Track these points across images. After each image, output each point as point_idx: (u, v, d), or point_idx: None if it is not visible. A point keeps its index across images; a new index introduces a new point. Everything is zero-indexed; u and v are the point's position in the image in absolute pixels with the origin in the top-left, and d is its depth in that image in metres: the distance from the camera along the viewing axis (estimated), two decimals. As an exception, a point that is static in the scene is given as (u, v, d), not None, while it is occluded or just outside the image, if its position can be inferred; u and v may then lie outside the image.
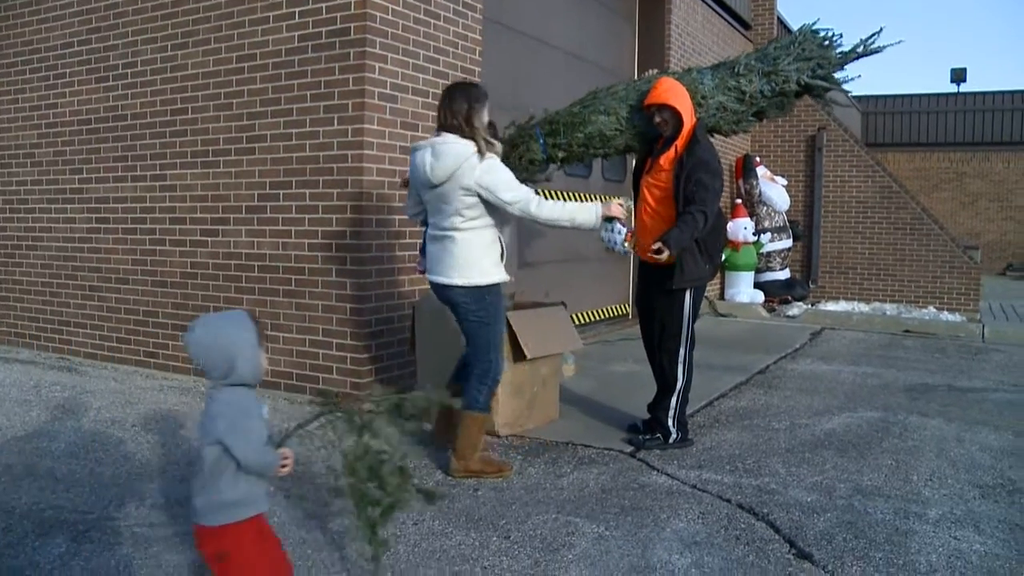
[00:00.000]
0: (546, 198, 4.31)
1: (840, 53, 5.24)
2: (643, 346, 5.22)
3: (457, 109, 4.14)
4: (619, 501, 4.03)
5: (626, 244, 4.57)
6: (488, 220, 4.20)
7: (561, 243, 8.94)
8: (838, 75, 5.32)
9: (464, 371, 4.46)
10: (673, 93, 4.83)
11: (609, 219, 4.44)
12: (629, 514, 3.85)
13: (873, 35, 5.26)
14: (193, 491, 2.47)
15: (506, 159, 5.50)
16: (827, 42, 5.24)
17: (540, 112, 5.53)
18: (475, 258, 4.19)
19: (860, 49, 5.27)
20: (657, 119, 4.89)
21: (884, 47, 5.27)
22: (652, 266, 4.94)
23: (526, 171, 5.42)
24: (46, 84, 7.36)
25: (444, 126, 4.18)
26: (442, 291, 4.29)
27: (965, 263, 12.65)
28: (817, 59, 5.17)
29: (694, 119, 4.87)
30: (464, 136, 4.12)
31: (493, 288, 4.24)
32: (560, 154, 5.37)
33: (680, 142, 4.81)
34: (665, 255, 4.50)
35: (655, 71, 5.55)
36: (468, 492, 4.11)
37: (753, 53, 5.34)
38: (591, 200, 8.31)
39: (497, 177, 4.11)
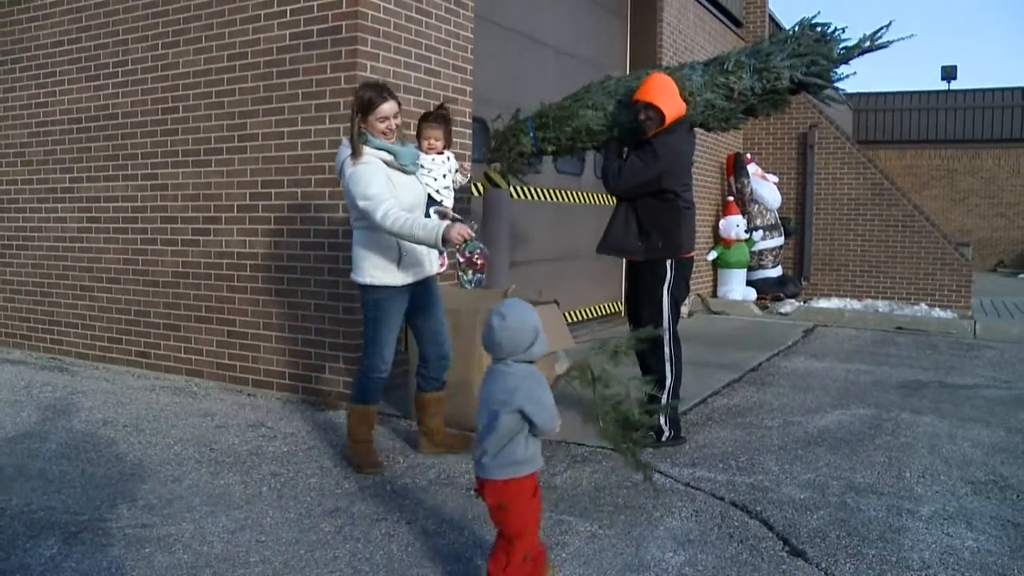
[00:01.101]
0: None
1: (843, 48, 5.10)
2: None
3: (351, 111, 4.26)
4: (612, 499, 4.03)
5: (467, 274, 4.14)
6: (368, 221, 4.17)
7: (553, 241, 8.94)
8: (838, 71, 5.18)
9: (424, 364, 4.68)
10: (660, 91, 4.84)
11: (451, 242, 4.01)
12: (622, 512, 3.85)
13: (881, 29, 5.10)
14: (481, 451, 2.88)
15: (497, 152, 5.51)
16: (826, 38, 5.12)
17: (534, 106, 5.53)
18: (359, 257, 4.32)
19: (866, 44, 5.10)
20: (642, 116, 4.91)
21: (891, 42, 5.11)
22: (633, 265, 5.04)
23: (516, 163, 5.42)
24: (36, 83, 7.32)
25: None
26: None
27: (956, 260, 12.68)
28: (812, 55, 5.07)
29: (679, 112, 4.89)
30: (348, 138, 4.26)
31: (373, 288, 4.32)
32: (550, 147, 5.39)
33: (654, 133, 4.88)
34: None
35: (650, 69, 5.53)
36: (461, 491, 4.10)
37: (745, 48, 5.29)
38: (581, 198, 8.32)
39: (354, 185, 4.13)
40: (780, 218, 12.78)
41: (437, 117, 4.76)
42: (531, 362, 2.90)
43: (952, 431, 5.45)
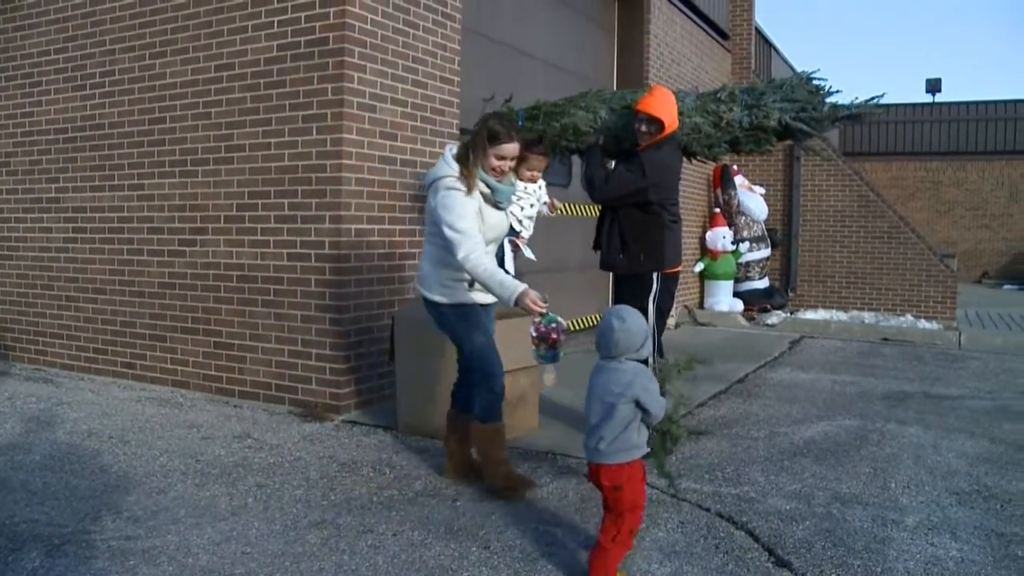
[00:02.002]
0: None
1: (830, 105, 5.26)
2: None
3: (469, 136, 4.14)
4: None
5: (539, 349, 3.98)
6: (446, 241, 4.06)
7: (541, 252, 8.94)
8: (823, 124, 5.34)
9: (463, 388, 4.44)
10: (663, 105, 4.91)
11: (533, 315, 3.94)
12: (609, 524, 3.85)
13: (873, 98, 5.29)
14: (596, 439, 3.21)
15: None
16: (819, 91, 5.28)
17: (527, 100, 5.62)
18: (428, 272, 4.24)
19: (854, 110, 5.28)
20: (642, 127, 4.96)
21: (868, 112, 5.28)
22: (619, 278, 5.13)
23: None
24: (22, 92, 7.30)
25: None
26: None
27: (942, 271, 12.76)
28: (803, 103, 5.20)
29: (673, 128, 4.96)
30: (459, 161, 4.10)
31: (440, 305, 4.22)
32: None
33: (646, 145, 4.93)
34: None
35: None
36: (447, 503, 4.10)
37: (741, 84, 5.41)
38: (569, 210, 8.33)
39: (446, 212, 4.01)
40: (767, 230, 12.83)
41: (545, 149, 4.75)
42: (642, 360, 3.29)
43: (937, 442, 5.48)
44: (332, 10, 5.58)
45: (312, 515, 3.90)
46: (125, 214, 6.68)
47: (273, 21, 5.83)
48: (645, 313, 5.02)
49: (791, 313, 12.53)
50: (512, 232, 4.39)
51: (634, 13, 10.65)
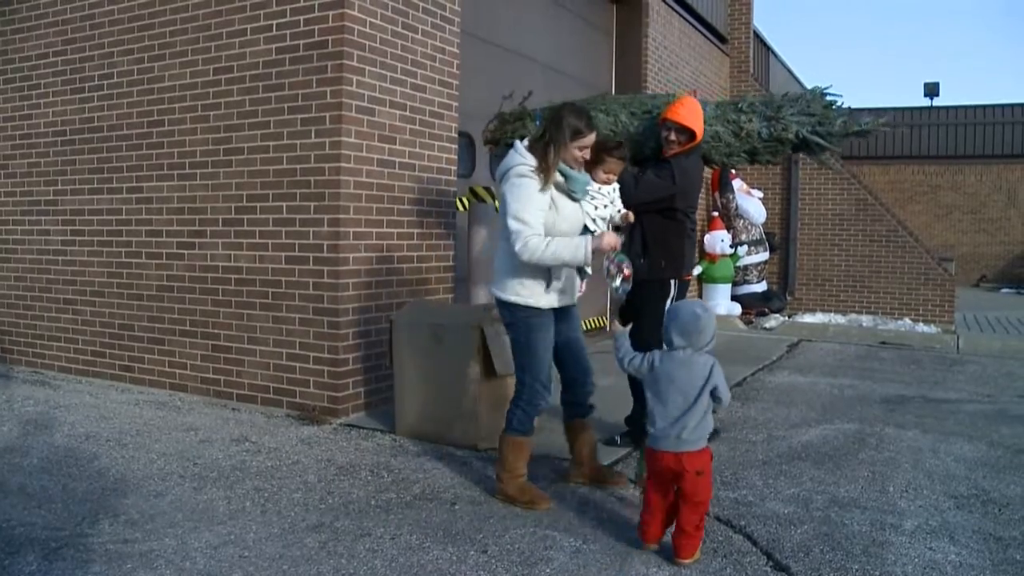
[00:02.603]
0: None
1: (842, 121, 5.37)
2: None
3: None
4: (597, 514, 4.03)
5: (617, 282, 4.19)
6: None
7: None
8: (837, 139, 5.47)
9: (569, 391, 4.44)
10: (693, 115, 4.99)
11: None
12: (607, 527, 3.85)
13: (882, 120, 5.50)
14: (680, 428, 3.43)
15: (497, 131, 5.54)
16: (833, 106, 5.38)
17: (529, 103, 5.64)
18: (504, 272, 4.13)
19: (865, 127, 5.44)
20: (670, 135, 5.02)
21: (879, 129, 5.53)
22: (636, 283, 5.05)
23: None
24: (20, 95, 7.30)
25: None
26: None
27: (940, 275, 12.77)
28: (819, 117, 5.32)
29: (699, 138, 5.05)
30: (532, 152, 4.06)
31: (517, 308, 4.11)
32: None
33: (674, 153, 5.00)
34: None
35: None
36: (445, 506, 4.09)
37: (760, 96, 5.48)
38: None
39: (514, 199, 3.96)
40: (765, 233, 12.84)
41: (622, 153, 4.74)
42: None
43: (935, 445, 5.48)
44: (331, 13, 5.59)
45: (310, 519, 3.89)
46: (123, 217, 6.68)
47: (272, 24, 5.83)
48: (661, 319, 5.03)
49: (789, 316, 12.53)
50: (586, 230, 4.32)
51: (633, 17, 10.67)
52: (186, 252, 6.34)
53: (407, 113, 6.09)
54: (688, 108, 5.01)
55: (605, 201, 4.69)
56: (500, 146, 5.67)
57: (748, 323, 11.91)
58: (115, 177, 6.71)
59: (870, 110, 5.60)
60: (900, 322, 12.28)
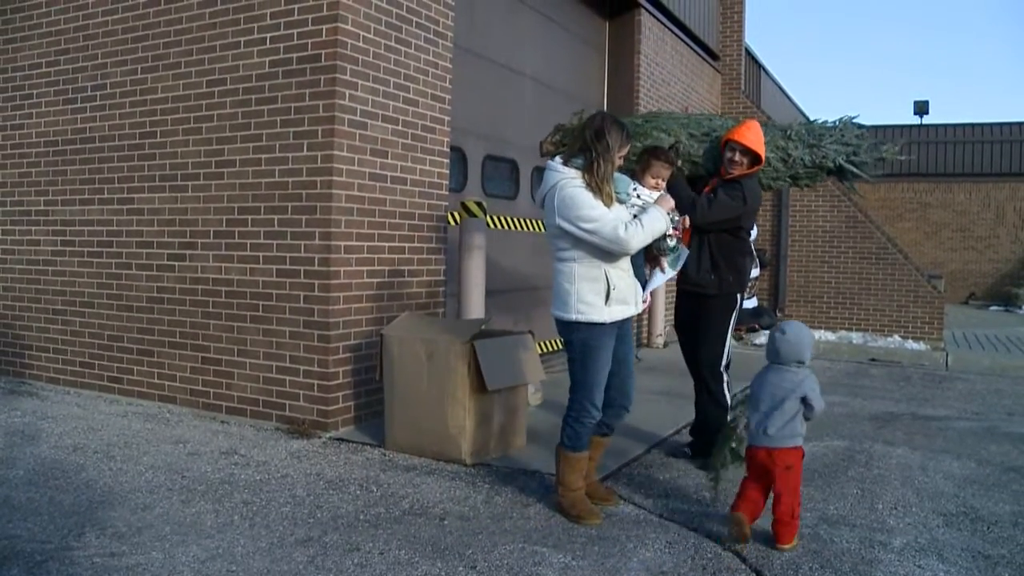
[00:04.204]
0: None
1: (873, 149, 5.63)
2: (687, 370, 5.64)
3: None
4: (586, 530, 4.02)
5: (673, 243, 4.53)
6: (578, 252, 4.08)
7: (530, 271, 8.96)
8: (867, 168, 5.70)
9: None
10: (758, 139, 5.15)
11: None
12: (596, 544, 3.84)
13: (897, 148, 5.84)
14: (763, 427, 3.92)
15: (559, 145, 5.58)
16: (863, 134, 5.62)
17: (516, 136, 5.60)
18: (564, 292, 4.13)
19: (885, 153, 5.75)
20: (737, 157, 5.15)
21: (896, 157, 5.90)
22: (698, 297, 5.37)
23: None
24: (12, 104, 7.28)
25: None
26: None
27: (929, 292, 12.82)
28: (854, 147, 5.54)
29: (763, 162, 5.23)
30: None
31: (580, 326, 4.12)
32: None
33: (740, 174, 5.16)
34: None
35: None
36: (434, 521, 4.08)
37: (802, 125, 5.70)
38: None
39: (575, 208, 4.00)
40: (756, 249, 12.87)
41: (670, 158, 4.82)
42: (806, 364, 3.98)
43: (924, 463, 5.49)
44: (324, 27, 5.60)
45: (298, 533, 3.88)
46: (114, 228, 6.66)
47: (266, 37, 5.84)
48: (726, 336, 5.37)
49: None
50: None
51: (625, 33, 10.73)
52: (176, 264, 6.33)
53: (399, 127, 6.10)
54: (754, 132, 5.18)
55: (635, 210, 4.68)
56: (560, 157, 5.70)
57: (738, 339, 11.92)
58: (106, 188, 6.70)
59: (859, 127, 5.72)
60: (890, 339, 12.32)
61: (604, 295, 4.08)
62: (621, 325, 4.25)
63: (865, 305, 13.10)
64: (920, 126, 23.55)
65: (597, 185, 4.02)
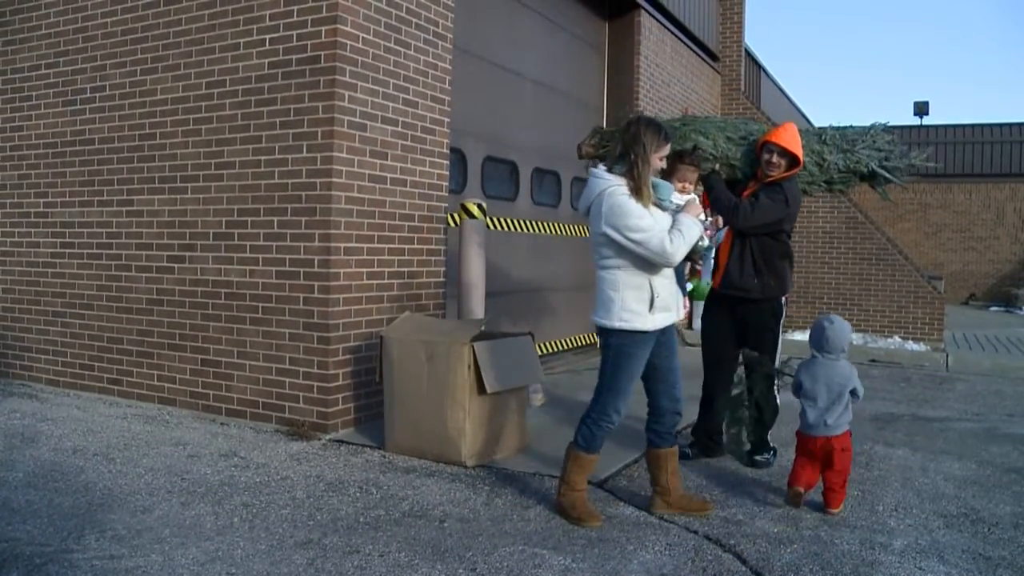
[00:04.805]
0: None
1: (904, 155, 5.75)
2: (708, 379, 5.64)
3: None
4: (586, 533, 4.01)
5: (707, 242, 4.58)
6: (622, 260, 4.08)
7: (530, 272, 8.96)
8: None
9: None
10: (797, 142, 5.17)
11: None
12: (596, 546, 3.84)
13: (925, 155, 6.14)
14: (825, 418, 4.43)
15: (599, 147, 5.57)
16: (894, 140, 5.72)
17: (518, 138, 5.59)
18: (608, 299, 4.12)
19: (915, 159, 5.94)
20: (774, 159, 5.17)
21: (926, 164, 6.21)
22: (745, 302, 5.40)
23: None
24: (12, 107, 7.28)
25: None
26: None
27: (929, 293, 12.81)
28: (886, 152, 5.62)
29: (801, 164, 5.27)
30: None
31: (622, 333, 4.10)
32: None
33: (780, 177, 5.18)
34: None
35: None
36: (434, 524, 4.08)
37: (835, 129, 5.72)
38: (558, 230, 8.35)
39: (625, 217, 3.99)
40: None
41: (695, 160, 4.84)
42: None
43: (925, 464, 5.48)
44: (324, 29, 5.60)
45: (298, 535, 3.87)
46: (113, 229, 6.66)
47: (265, 39, 5.84)
48: (777, 339, 5.43)
49: (783, 333, 12.53)
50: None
51: (625, 35, 10.73)
52: (176, 266, 6.32)
53: (399, 128, 6.10)
54: (791, 134, 5.21)
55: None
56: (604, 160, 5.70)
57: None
58: (106, 190, 6.69)
59: (890, 131, 5.81)
60: (890, 340, 12.31)
61: (648, 303, 4.08)
62: (663, 332, 4.23)
63: (865, 306, 13.09)
64: (920, 127, 23.56)
65: (636, 188, 4.01)
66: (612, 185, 4.05)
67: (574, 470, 4.23)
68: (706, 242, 4.56)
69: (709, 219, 4.50)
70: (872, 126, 5.73)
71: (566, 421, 6.31)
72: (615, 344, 4.13)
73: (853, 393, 4.41)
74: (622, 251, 4.04)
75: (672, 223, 4.10)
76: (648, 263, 4.06)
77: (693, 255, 4.59)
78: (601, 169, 4.18)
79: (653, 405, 4.37)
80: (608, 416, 4.17)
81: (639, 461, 5.34)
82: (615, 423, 4.21)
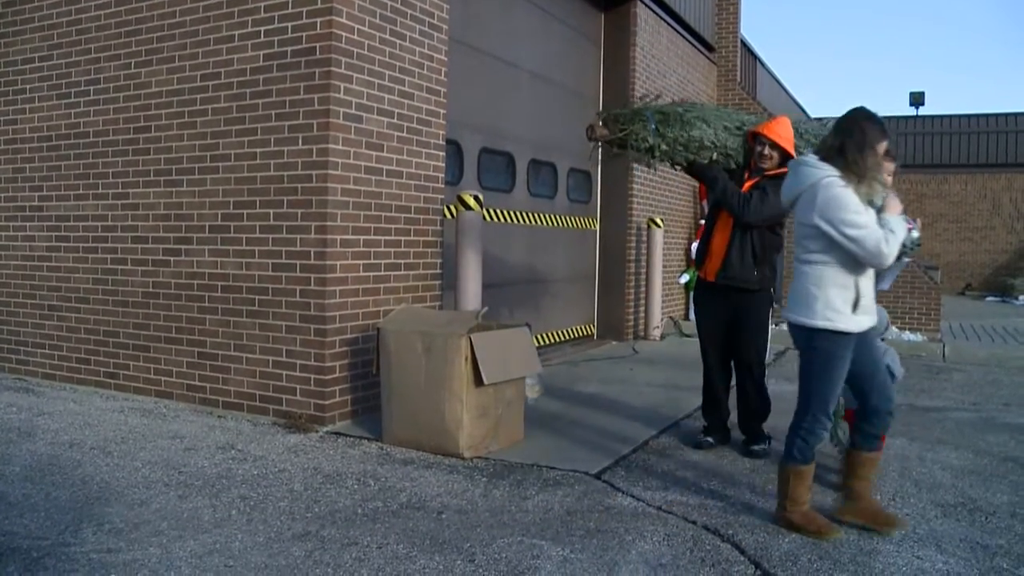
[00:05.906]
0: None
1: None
2: (711, 368, 5.65)
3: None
4: (584, 523, 4.02)
5: (914, 234, 4.25)
6: (830, 256, 3.87)
7: (527, 264, 8.95)
8: None
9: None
10: (788, 136, 5.19)
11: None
12: (594, 536, 3.84)
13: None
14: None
15: (615, 130, 5.51)
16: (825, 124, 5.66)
17: (512, 128, 5.59)
18: (809, 296, 3.91)
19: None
20: (766, 151, 5.20)
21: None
22: (742, 292, 5.41)
23: (639, 153, 5.59)
24: (6, 100, 7.25)
25: None
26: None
27: (925, 283, 12.82)
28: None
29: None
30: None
31: (823, 334, 3.88)
32: (663, 146, 5.47)
33: (770, 173, 5.20)
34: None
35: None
36: (432, 515, 4.08)
37: (808, 122, 5.82)
38: (554, 221, 8.34)
39: (843, 211, 3.76)
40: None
41: (893, 154, 4.46)
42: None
43: (922, 454, 5.49)
44: (319, 20, 5.58)
45: (296, 527, 3.87)
46: (109, 223, 6.64)
47: (260, 31, 5.82)
48: (767, 331, 5.54)
49: (776, 325, 12.54)
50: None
51: (621, 26, 10.70)
52: (172, 259, 6.30)
53: (394, 120, 6.08)
54: (782, 127, 5.23)
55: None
56: (614, 144, 5.62)
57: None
58: (101, 183, 6.67)
59: None
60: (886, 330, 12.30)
61: (852, 303, 3.87)
62: (863, 334, 3.98)
63: (862, 297, 13.07)
64: (916, 117, 23.57)
65: (858, 181, 3.77)
66: (828, 176, 3.81)
67: (796, 485, 3.99)
68: (915, 234, 4.24)
69: (907, 217, 4.07)
70: (825, 119, 5.72)
71: (564, 412, 6.33)
72: (820, 347, 3.90)
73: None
74: (831, 246, 3.83)
75: (881, 223, 3.84)
76: (856, 261, 3.83)
77: (902, 253, 4.18)
78: (814, 158, 3.94)
79: (866, 407, 4.12)
80: (822, 423, 3.99)
81: (636, 452, 5.34)
82: (828, 428, 4.05)
